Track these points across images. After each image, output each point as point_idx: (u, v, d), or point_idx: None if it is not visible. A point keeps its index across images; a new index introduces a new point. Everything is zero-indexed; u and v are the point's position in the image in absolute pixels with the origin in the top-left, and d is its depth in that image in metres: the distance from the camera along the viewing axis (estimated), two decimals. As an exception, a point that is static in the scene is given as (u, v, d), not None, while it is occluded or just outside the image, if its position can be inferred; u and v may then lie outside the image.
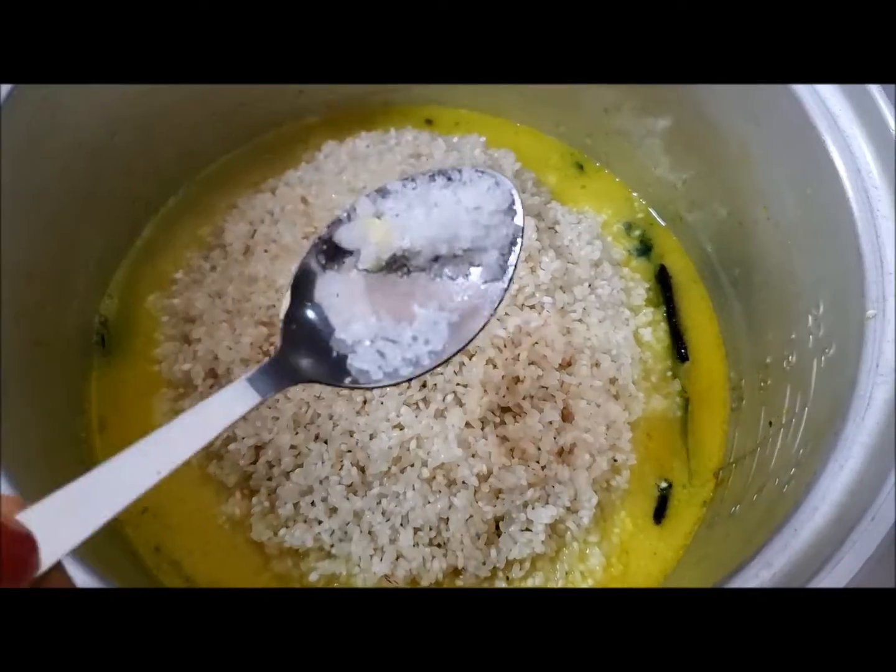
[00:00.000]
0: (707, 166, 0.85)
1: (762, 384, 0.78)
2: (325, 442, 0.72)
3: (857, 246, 0.63)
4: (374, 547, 0.71)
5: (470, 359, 0.73)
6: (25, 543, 0.40)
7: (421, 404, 0.72)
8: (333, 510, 0.71)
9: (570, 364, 0.78)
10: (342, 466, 0.71)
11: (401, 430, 0.70)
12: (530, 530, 0.72)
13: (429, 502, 0.70)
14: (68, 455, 0.75)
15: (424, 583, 0.71)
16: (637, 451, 0.79)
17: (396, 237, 0.55)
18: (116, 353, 0.83)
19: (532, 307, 0.78)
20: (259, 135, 0.96)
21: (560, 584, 0.74)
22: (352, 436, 0.71)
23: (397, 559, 0.70)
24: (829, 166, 0.66)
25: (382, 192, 0.57)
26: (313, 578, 0.72)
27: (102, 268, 0.85)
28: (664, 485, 0.80)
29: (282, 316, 0.54)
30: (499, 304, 0.54)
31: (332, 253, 0.57)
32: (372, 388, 0.58)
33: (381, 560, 0.70)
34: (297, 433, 0.72)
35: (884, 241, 0.62)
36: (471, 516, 0.70)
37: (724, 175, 0.82)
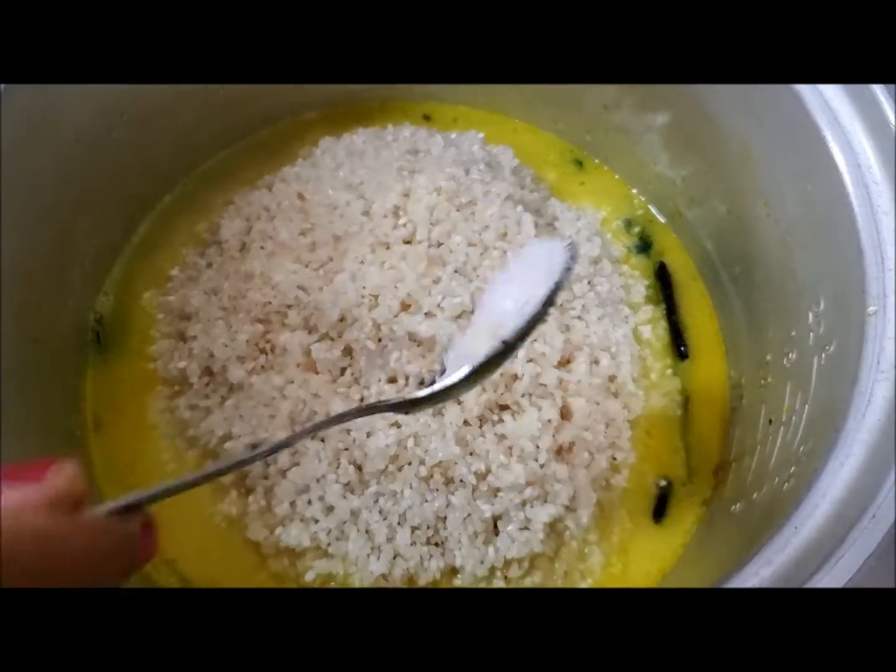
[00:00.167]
0: (707, 163, 0.84)
1: (762, 382, 0.78)
2: (322, 440, 0.71)
3: (858, 242, 0.63)
4: (372, 546, 0.70)
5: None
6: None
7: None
8: (330, 509, 0.71)
9: (568, 361, 0.77)
10: (339, 465, 0.70)
11: (398, 428, 0.70)
12: (529, 529, 0.72)
13: (426, 501, 0.69)
14: (63, 452, 0.74)
15: (422, 582, 0.71)
16: (636, 449, 0.79)
17: None
18: (112, 351, 0.83)
19: (530, 304, 0.77)
20: (255, 131, 0.95)
21: (559, 584, 0.74)
22: (349, 434, 0.71)
23: (394, 558, 0.70)
24: (830, 162, 0.65)
25: None
26: (310, 578, 0.71)
27: (98, 265, 0.85)
28: (664, 483, 0.80)
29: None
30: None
31: None
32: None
33: (379, 559, 0.70)
34: (293, 431, 0.72)
35: (884, 238, 0.62)
36: (469, 515, 0.70)
37: (724, 171, 0.82)
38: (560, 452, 0.74)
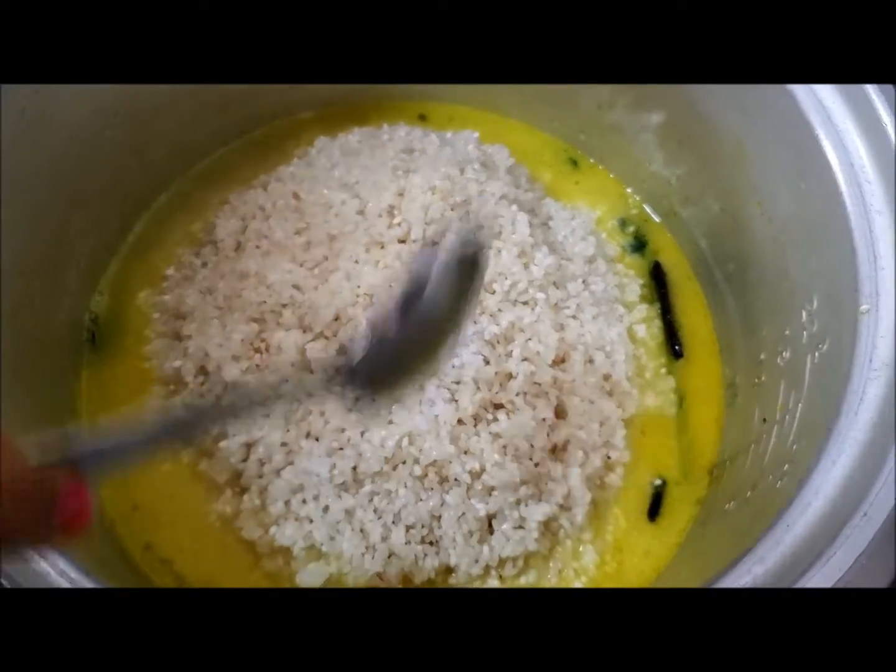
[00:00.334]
0: (701, 162, 0.85)
1: (756, 380, 0.78)
2: (317, 439, 0.71)
3: (851, 241, 0.63)
4: (366, 545, 0.70)
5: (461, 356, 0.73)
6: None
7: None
8: (325, 508, 0.71)
9: (563, 360, 0.77)
10: (333, 464, 0.70)
11: (393, 426, 0.70)
12: (523, 528, 0.72)
13: (421, 500, 0.69)
14: (58, 453, 0.75)
15: (417, 581, 0.71)
16: (631, 448, 0.79)
17: None
18: (107, 351, 0.83)
19: (525, 303, 0.77)
20: (251, 131, 0.95)
21: (553, 582, 0.74)
22: (343, 433, 0.71)
23: (389, 557, 0.70)
24: (823, 161, 0.65)
25: None
26: (304, 577, 0.71)
27: (93, 264, 0.85)
28: (658, 482, 0.80)
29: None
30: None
31: None
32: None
33: (373, 558, 0.70)
34: (288, 430, 0.72)
35: (877, 236, 0.62)
36: (463, 514, 0.70)
37: (718, 170, 0.82)
38: (554, 451, 0.74)
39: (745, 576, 0.54)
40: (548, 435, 0.73)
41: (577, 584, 0.74)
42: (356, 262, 0.76)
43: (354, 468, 0.70)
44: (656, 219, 0.94)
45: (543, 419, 0.72)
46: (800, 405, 0.68)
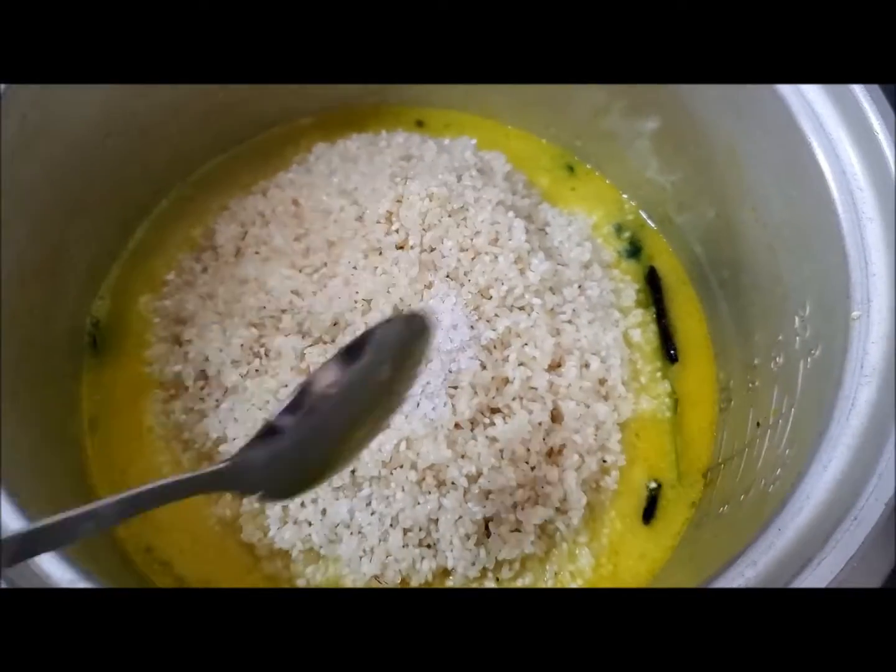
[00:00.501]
0: (696, 168, 0.85)
1: (750, 385, 0.79)
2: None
3: (843, 247, 0.63)
4: (364, 548, 0.71)
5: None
6: None
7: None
8: (323, 511, 0.71)
9: (559, 365, 0.78)
10: (332, 468, 0.71)
11: (390, 431, 0.71)
12: (520, 531, 0.73)
13: (418, 503, 0.70)
14: (59, 456, 0.75)
15: (414, 583, 0.71)
16: (626, 451, 0.80)
17: None
18: (108, 355, 0.83)
19: (521, 308, 0.78)
20: (250, 137, 0.96)
21: (550, 585, 0.75)
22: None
23: (387, 559, 0.71)
24: (816, 168, 0.66)
25: None
26: (303, 580, 0.72)
27: (94, 269, 0.85)
28: (653, 485, 0.80)
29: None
30: None
31: None
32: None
33: (371, 561, 0.70)
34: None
35: (869, 243, 0.63)
36: (460, 517, 0.70)
37: (713, 177, 0.83)
38: (550, 455, 0.75)
39: (739, 578, 0.55)
40: (544, 439, 0.74)
41: (573, 587, 0.75)
42: (355, 267, 0.77)
43: (352, 472, 0.71)
44: (651, 224, 0.95)
45: (539, 423, 0.73)
46: (793, 410, 0.68)
